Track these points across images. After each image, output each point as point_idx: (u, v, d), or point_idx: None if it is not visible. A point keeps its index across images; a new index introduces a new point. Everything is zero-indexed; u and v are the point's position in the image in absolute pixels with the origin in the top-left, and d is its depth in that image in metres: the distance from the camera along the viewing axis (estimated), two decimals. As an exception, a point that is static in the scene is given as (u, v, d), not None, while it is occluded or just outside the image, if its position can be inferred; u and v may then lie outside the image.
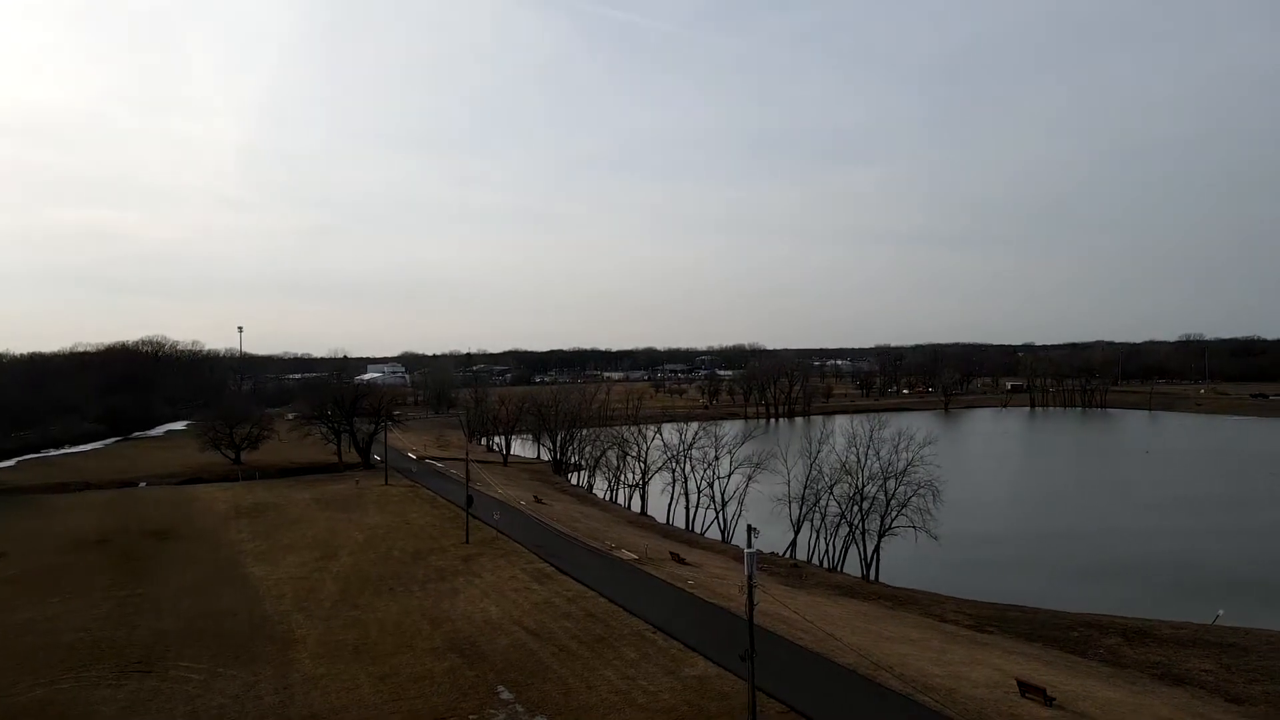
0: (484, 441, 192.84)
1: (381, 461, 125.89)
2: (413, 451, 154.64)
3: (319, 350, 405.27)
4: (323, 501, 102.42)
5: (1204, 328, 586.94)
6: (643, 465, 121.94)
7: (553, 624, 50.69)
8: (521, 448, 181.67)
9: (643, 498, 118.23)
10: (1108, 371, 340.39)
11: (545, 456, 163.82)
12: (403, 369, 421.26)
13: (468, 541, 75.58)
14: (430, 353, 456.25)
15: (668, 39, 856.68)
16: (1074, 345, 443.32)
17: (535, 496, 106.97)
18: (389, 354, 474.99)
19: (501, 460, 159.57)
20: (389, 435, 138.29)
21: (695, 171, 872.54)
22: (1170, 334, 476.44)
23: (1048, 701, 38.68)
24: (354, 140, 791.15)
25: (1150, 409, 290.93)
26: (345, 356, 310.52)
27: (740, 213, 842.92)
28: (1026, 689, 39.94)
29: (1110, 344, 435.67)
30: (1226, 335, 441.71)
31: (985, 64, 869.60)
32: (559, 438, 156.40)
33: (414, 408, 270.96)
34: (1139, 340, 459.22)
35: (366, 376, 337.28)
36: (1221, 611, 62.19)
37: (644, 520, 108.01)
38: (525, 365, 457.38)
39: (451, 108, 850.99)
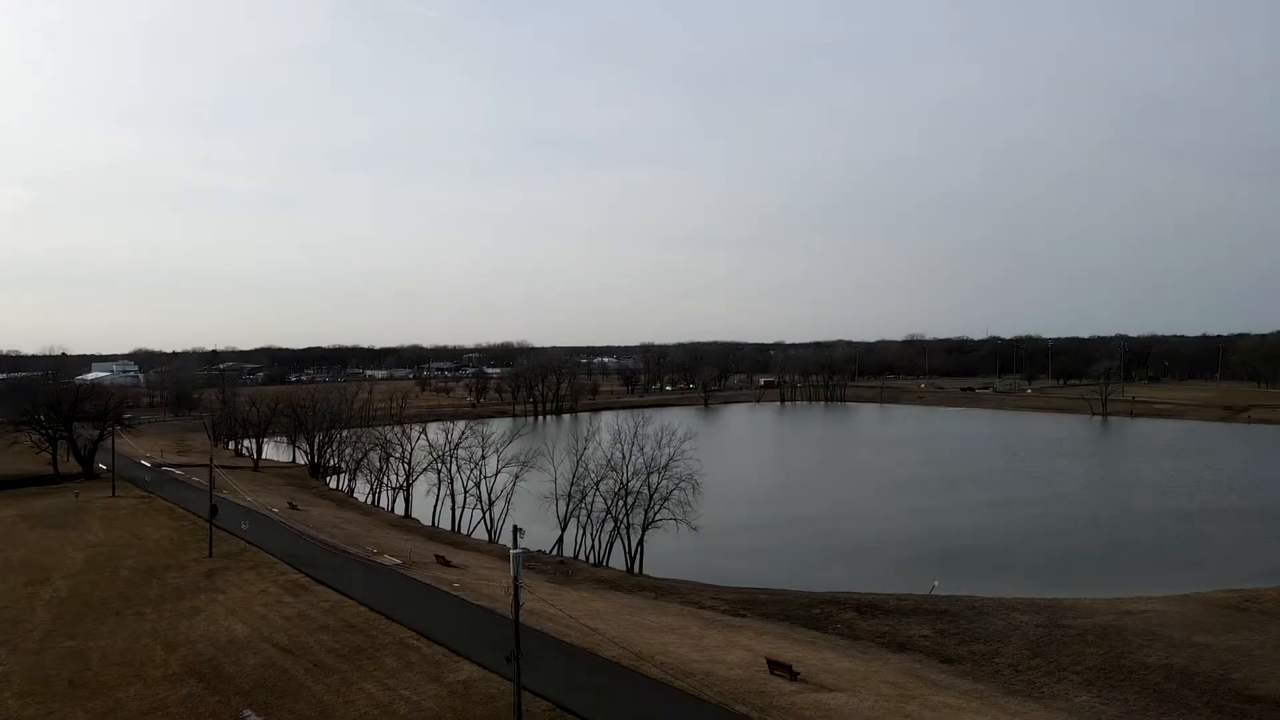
0: (232, 446, 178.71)
1: (108, 470, 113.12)
2: (148, 458, 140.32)
3: (30, 347, 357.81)
4: (33, 518, 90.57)
5: (925, 329, 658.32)
6: (407, 467, 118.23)
7: (307, 638, 47.87)
8: (275, 451, 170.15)
9: (407, 500, 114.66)
10: (847, 368, 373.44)
11: (302, 460, 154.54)
12: (135, 368, 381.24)
13: (211, 555, 69.64)
14: (169, 350, 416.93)
15: (435, 28, 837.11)
16: (819, 344, 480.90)
17: (290, 503, 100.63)
18: (119, 351, 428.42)
19: (252, 465, 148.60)
20: (119, 441, 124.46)
21: (464, 165, 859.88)
22: (899, 334, 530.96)
23: (793, 676, 41.72)
24: (69, 109, 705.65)
25: (881, 402, 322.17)
26: (64, 354, 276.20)
27: (510, 209, 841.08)
28: (775, 666, 42.84)
29: (850, 343, 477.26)
30: (943, 335, 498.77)
31: (749, 76, 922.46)
32: (316, 440, 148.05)
33: (149, 410, 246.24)
34: (873, 340, 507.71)
35: (91, 376, 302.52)
36: (937, 582, 70.03)
37: (408, 523, 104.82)
38: (280, 363, 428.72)
39: (192, 82, 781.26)
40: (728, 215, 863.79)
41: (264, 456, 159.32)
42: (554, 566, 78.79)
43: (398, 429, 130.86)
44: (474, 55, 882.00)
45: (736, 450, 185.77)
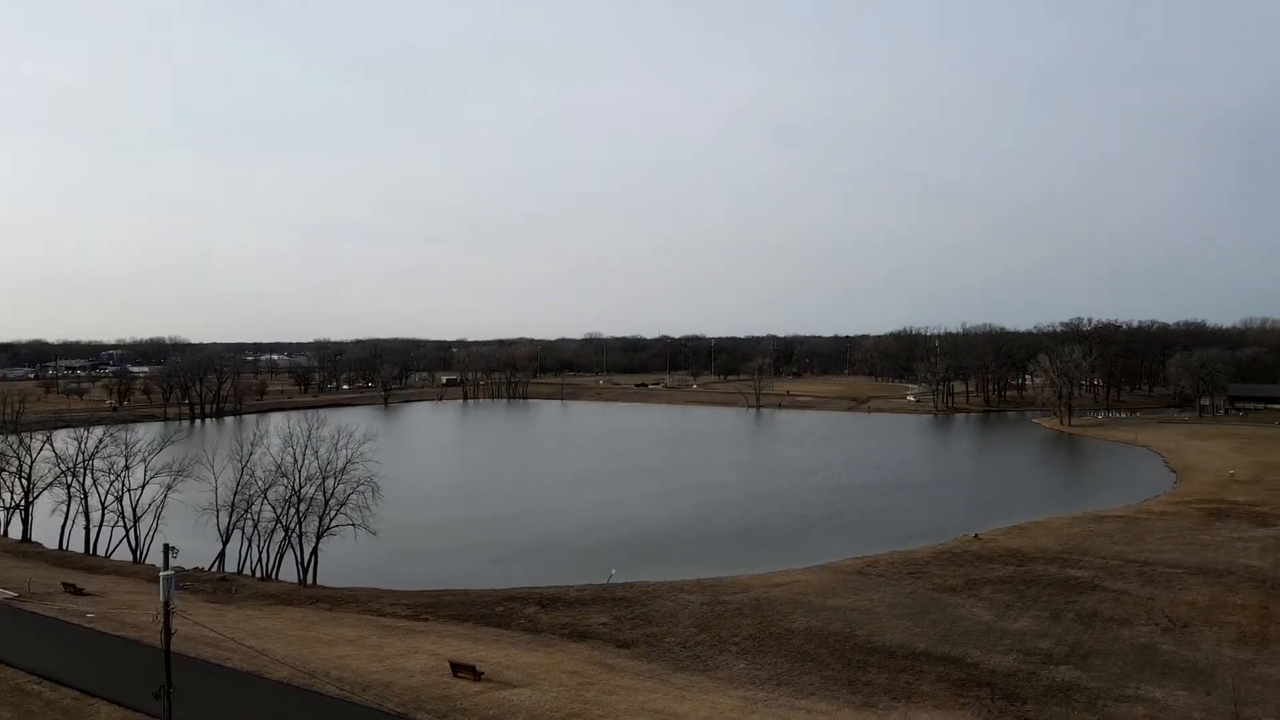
0: None
1: None
2: None
3: None
4: None
5: (603, 327, 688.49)
6: (26, 483, 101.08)
7: (-116, 698, 39.21)
8: None
9: (25, 521, 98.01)
10: (529, 366, 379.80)
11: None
12: None
13: None
14: None
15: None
16: (501, 341, 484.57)
17: None
18: None
19: None
20: None
21: (105, 140, 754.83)
22: (578, 332, 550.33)
23: (477, 676, 41.54)
24: None
25: (562, 399, 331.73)
26: None
27: (160, 190, 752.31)
28: (458, 668, 42.37)
29: (532, 340, 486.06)
30: (620, 334, 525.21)
31: (442, 71, 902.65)
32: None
33: None
34: (554, 338, 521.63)
35: None
36: (614, 571, 73.45)
37: (27, 548, 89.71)
38: None
39: None
40: (405, 207, 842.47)
41: None
42: (215, 584, 71.65)
43: (13, 439, 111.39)
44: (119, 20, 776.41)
45: (419, 450, 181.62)
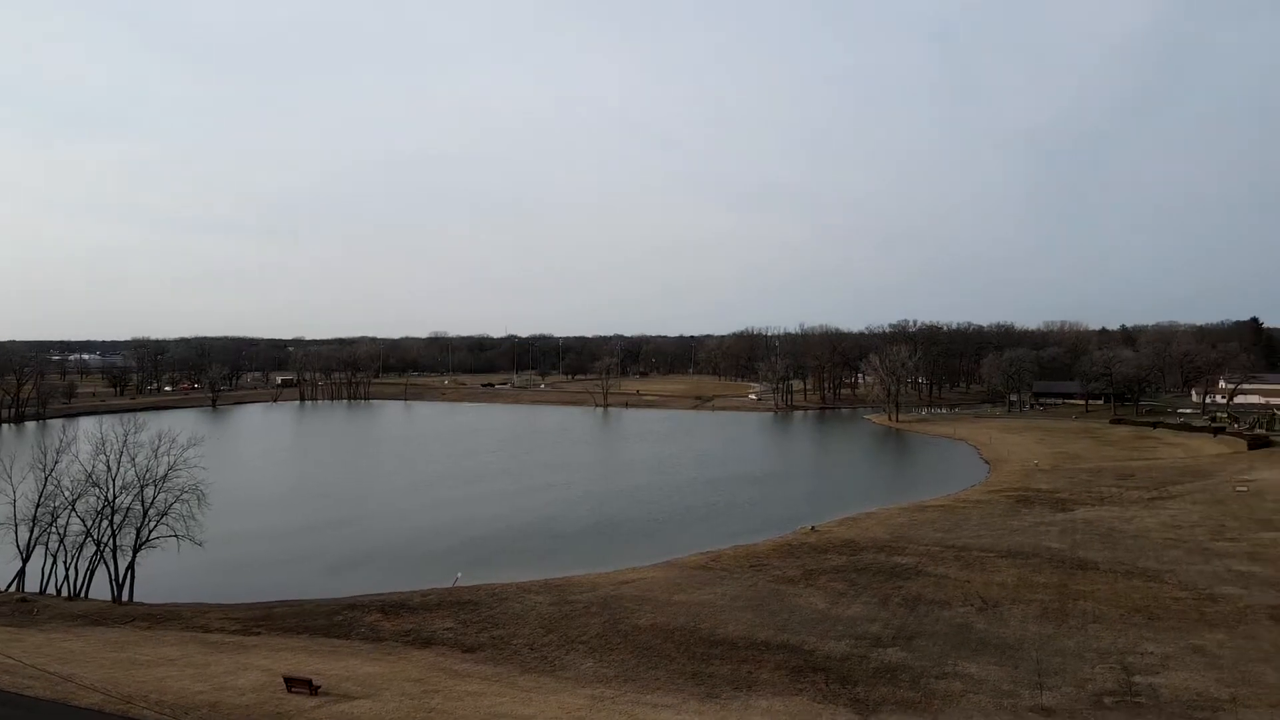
0: None
1: None
2: None
3: None
4: None
5: (448, 326, 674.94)
6: None
7: None
8: None
9: None
10: (371, 365, 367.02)
11: None
12: None
13: None
14: None
15: None
16: (341, 340, 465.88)
17: None
18: None
19: None
20: None
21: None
22: (423, 331, 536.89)
23: (314, 690, 39.71)
24: None
25: (406, 399, 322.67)
26: None
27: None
28: (293, 683, 40.36)
29: (374, 339, 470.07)
30: (466, 333, 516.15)
31: (273, 60, 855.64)
32: None
33: None
34: (397, 336, 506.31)
35: None
36: (460, 574, 72.13)
37: None
38: None
39: None
40: (236, 198, 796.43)
41: None
42: (13, 606, 65.17)
43: None
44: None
45: (250, 454, 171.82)
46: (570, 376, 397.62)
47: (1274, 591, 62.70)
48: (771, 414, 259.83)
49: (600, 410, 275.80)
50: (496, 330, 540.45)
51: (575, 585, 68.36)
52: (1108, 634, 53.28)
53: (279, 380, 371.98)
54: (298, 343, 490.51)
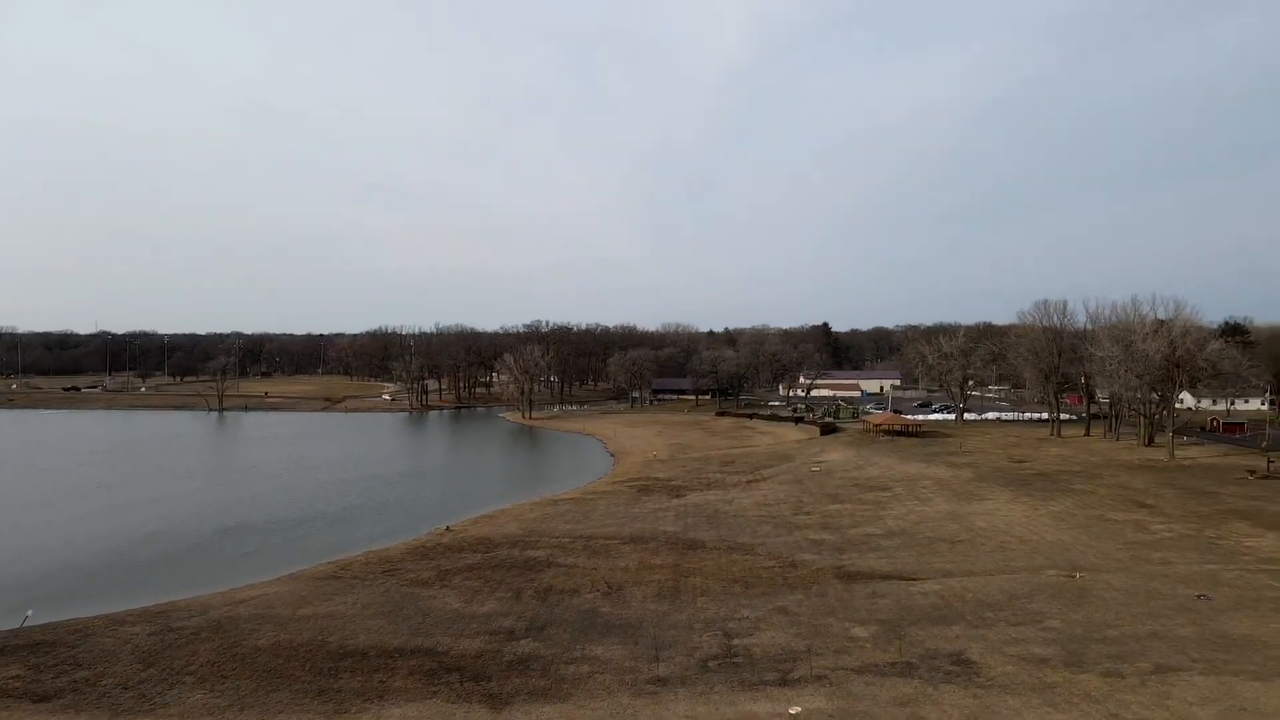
0: None
1: None
2: None
3: None
4: None
5: (18, 321, 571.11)
6: None
7: None
8: None
9: None
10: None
11: None
12: None
13: None
14: None
15: None
16: None
17: None
18: None
19: None
20: None
21: None
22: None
23: None
24: None
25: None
26: None
27: None
28: None
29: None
30: (41, 329, 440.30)
31: None
32: None
33: None
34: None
35: None
36: (30, 612, 61.19)
37: None
38: None
39: None
40: None
41: None
42: None
43: None
44: None
45: None
46: (178, 378, 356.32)
47: (839, 554, 74.44)
48: (406, 414, 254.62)
49: (215, 415, 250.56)
50: (83, 326, 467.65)
51: (181, 610, 61.32)
52: (712, 605, 59.54)
53: None
54: None
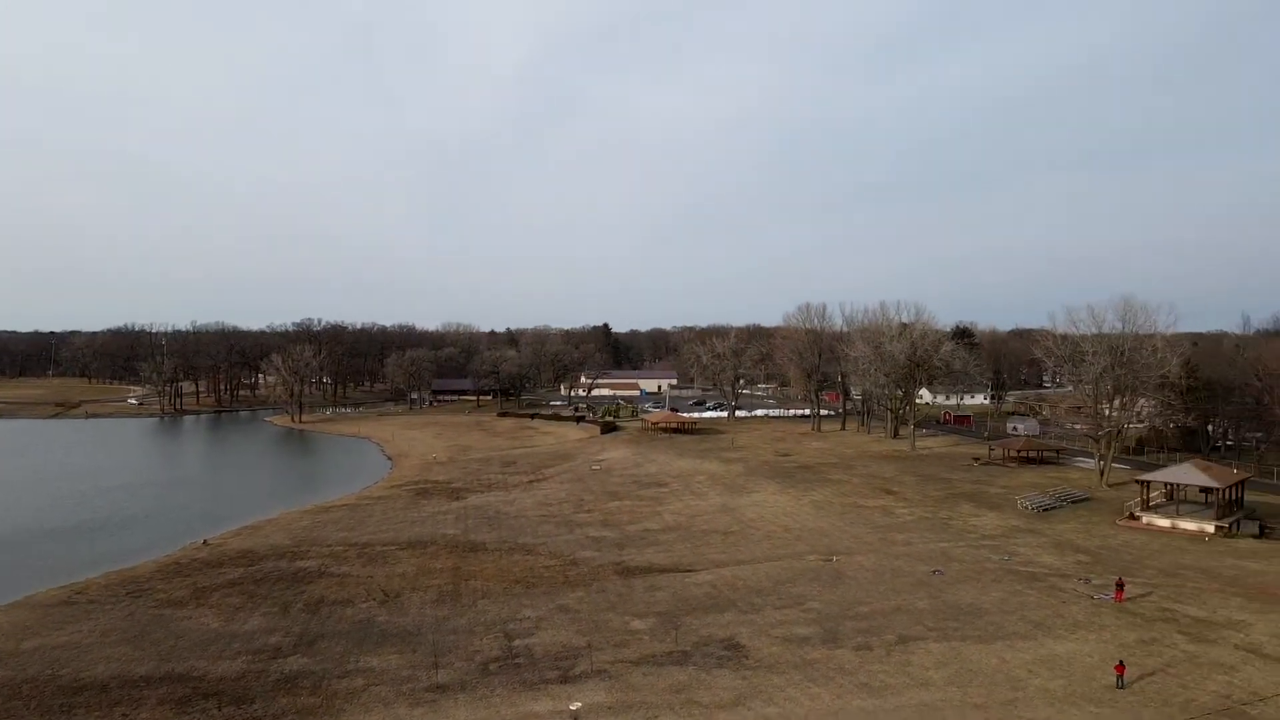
0: None
1: None
2: None
3: None
4: None
5: None
6: None
7: None
8: None
9: None
10: None
11: None
12: None
13: None
14: None
15: None
16: None
17: None
18: None
19: None
20: None
21: None
22: None
23: None
24: None
25: None
26: None
27: None
28: None
29: None
30: None
31: None
32: None
33: None
34: None
35: None
36: None
37: None
38: None
39: None
40: None
41: None
42: None
43: None
44: None
45: None
46: None
47: (619, 550, 76.12)
48: (158, 419, 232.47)
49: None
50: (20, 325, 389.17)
51: None
52: (493, 607, 58.99)
53: None
54: None
